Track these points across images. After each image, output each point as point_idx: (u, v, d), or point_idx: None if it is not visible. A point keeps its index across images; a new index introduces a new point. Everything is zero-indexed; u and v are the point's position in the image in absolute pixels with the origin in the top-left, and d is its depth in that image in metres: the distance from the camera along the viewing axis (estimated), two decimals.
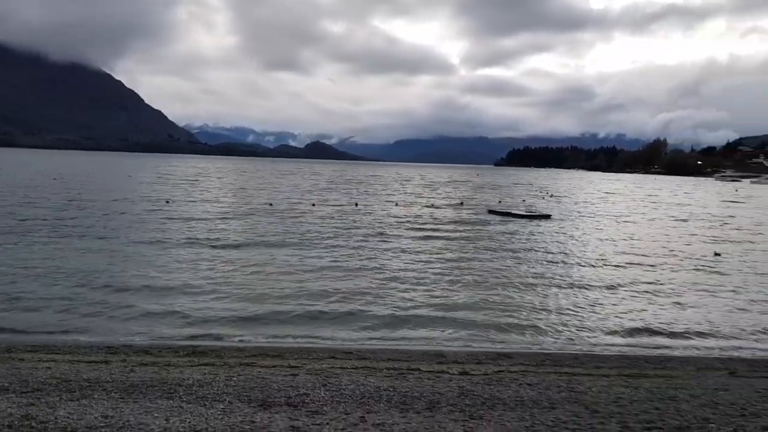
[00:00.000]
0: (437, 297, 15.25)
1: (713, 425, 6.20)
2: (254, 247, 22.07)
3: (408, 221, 33.51)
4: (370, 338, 11.83)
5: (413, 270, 18.70)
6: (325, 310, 13.55)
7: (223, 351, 10.17)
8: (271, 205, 40.78)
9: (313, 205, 42.59)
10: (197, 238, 23.79)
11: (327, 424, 5.87)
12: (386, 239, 25.65)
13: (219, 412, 6.08)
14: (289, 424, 5.80)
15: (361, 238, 25.71)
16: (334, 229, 28.53)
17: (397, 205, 45.40)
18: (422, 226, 31.12)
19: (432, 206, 45.64)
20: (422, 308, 14.06)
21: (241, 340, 11.38)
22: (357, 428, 5.78)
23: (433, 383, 7.67)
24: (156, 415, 5.93)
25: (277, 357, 9.61)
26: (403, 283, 16.67)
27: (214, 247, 21.91)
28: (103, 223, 27.44)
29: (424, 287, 16.31)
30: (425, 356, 10.09)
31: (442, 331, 12.44)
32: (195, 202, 42.15)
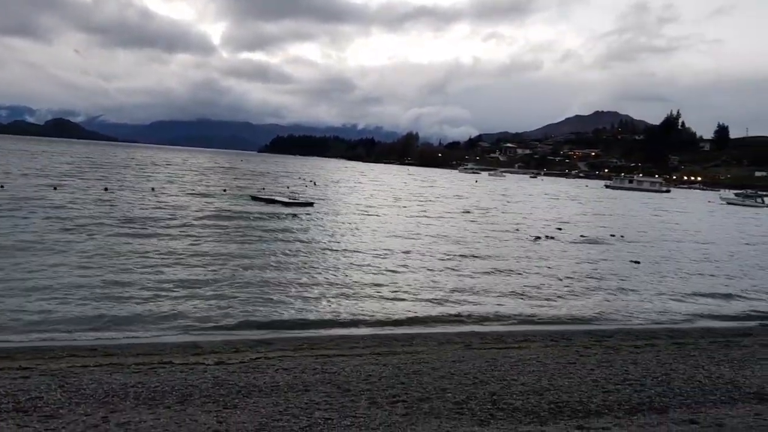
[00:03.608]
0: (192, 283, 14.77)
1: (450, 394, 6.88)
2: None
3: (165, 208, 31.85)
4: (115, 332, 11.00)
5: (169, 258, 17.85)
6: (68, 306, 12.31)
7: None
8: (2, 187, 35.77)
9: (55, 188, 38.33)
10: None
11: (63, 428, 5.37)
12: (139, 228, 24.06)
13: None
14: None
15: (110, 226, 23.76)
16: (79, 216, 25.96)
17: (153, 190, 42.86)
18: (180, 214, 29.76)
19: (193, 193, 43.94)
20: (177, 298, 13.47)
21: None
22: (98, 430, 5.37)
23: (186, 375, 7.41)
24: None
25: (6, 358, 8.53)
26: (157, 273, 15.80)
27: None
28: None
29: (179, 275, 15.66)
30: (179, 348, 9.68)
31: (198, 320, 12.02)
32: None
